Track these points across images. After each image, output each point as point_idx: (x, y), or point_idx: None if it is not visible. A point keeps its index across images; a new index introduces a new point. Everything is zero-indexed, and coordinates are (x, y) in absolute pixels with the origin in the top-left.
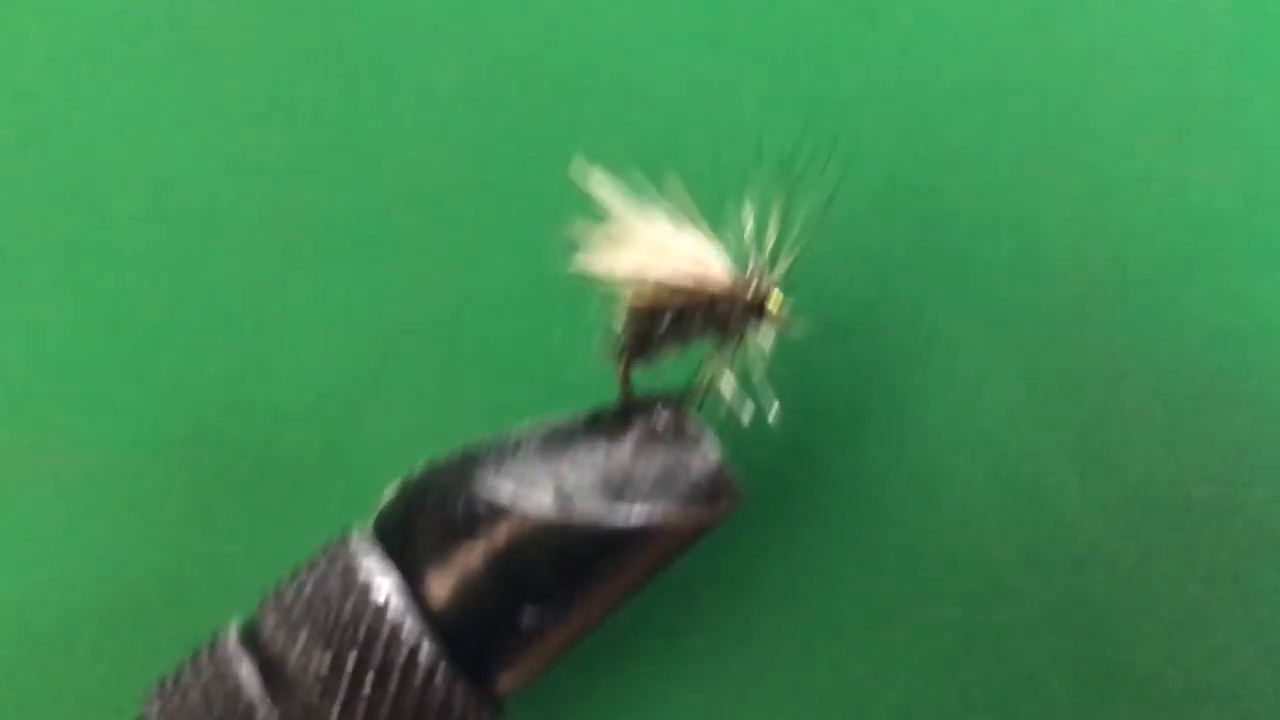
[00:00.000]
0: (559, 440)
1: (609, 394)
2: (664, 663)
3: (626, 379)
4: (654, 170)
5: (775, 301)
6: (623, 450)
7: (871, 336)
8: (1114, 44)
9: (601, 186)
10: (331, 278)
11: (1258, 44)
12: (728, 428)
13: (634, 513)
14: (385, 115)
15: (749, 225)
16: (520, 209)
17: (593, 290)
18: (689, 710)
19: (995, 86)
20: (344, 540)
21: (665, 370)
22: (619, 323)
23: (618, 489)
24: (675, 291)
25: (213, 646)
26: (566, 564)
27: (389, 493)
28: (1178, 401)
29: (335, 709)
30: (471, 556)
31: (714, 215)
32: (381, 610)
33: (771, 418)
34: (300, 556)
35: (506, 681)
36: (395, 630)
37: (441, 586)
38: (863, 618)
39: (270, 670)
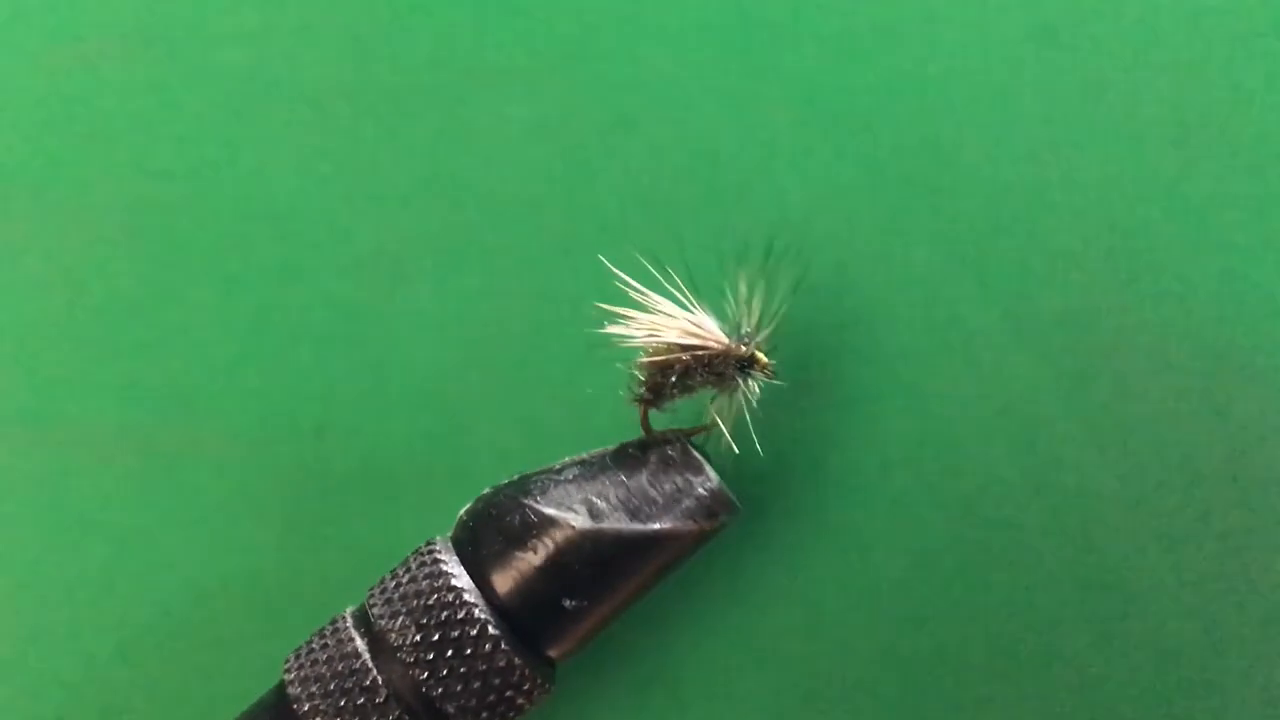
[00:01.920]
0: (592, 469)
1: (633, 432)
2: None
3: (646, 419)
4: (663, 261)
5: (762, 358)
6: (641, 477)
7: (898, 326)
8: (1120, 47)
9: (622, 277)
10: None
11: (1259, 45)
12: (728, 456)
13: (649, 525)
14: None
15: (739, 300)
16: (559, 290)
17: (618, 353)
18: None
19: (1007, 88)
20: (430, 546)
21: (676, 412)
22: (638, 376)
23: (636, 507)
24: (681, 351)
25: (334, 625)
26: (597, 564)
27: (462, 512)
28: (1184, 378)
29: (424, 672)
30: (525, 557)
31: (713, 294)
32: (459, 595)
33: (759, 448)
34: (402, 543)
35: (554, 652)
36: (469, 613)
37: (503, 581)
38: (890, 583)
39: (377, 643)
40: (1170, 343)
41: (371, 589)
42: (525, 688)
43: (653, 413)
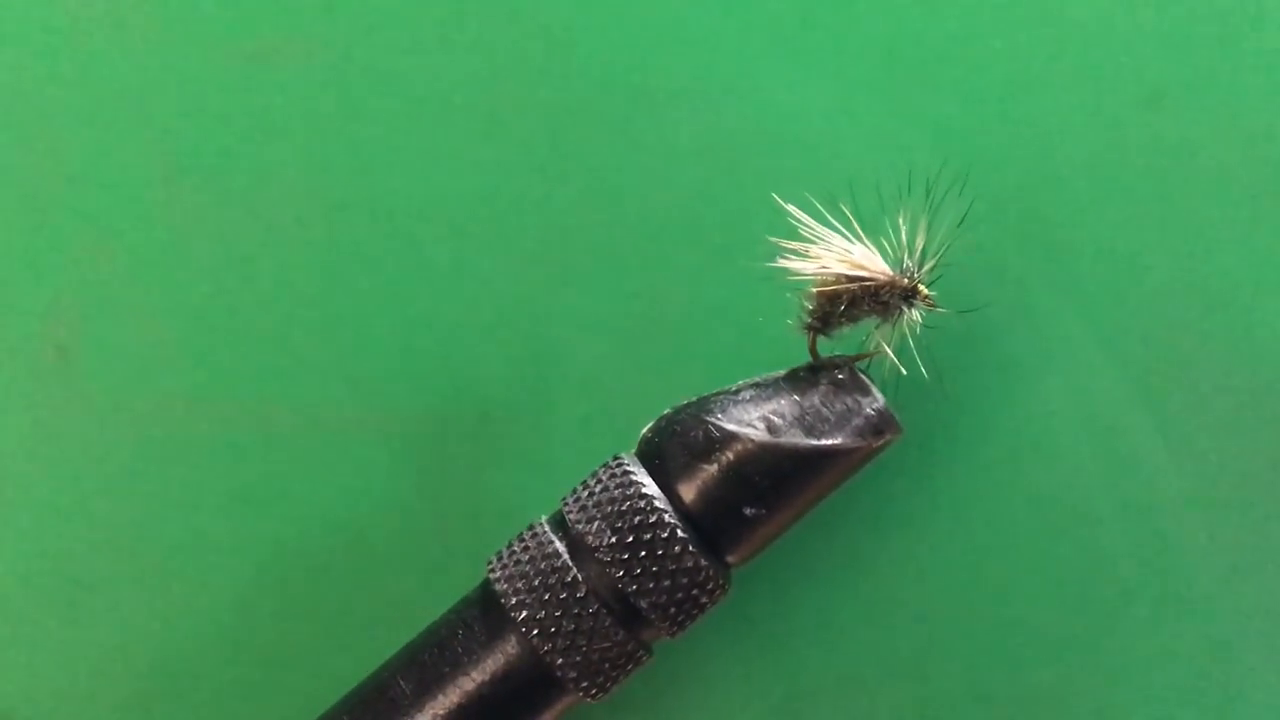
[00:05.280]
0: (768, 389)
1: (801, 357)
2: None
3: (814, 346)
4: (834, 199)
5: (924, 289)
6: (813, 396)
7: (998, 333)
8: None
9: (797, 210)
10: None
11: None
12: (889, 383)
13: (823, 440)
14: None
15: (903, 235)
16: (744, 227)
17: (790, 283)
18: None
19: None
20: (618, 460)
21: (842, 339)
22: (808, 305)
23: (810, 424)
24: (849, 282)
25: (531, 530)
26: (774, 475)
27: (646, 430)
28: (1247, 392)
29: (620, 570)
30: (708, 469)
31: (878, 229)
32: (649, 502)
33: (925, 375)
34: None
35: (734, 557)
36: (660, 517)
37: (688, 491)
38: (977, 565)
39: (575, 545)
40: (1234, 363)
41: (565, 498)
42: (709, 587)
43: (820, 341)
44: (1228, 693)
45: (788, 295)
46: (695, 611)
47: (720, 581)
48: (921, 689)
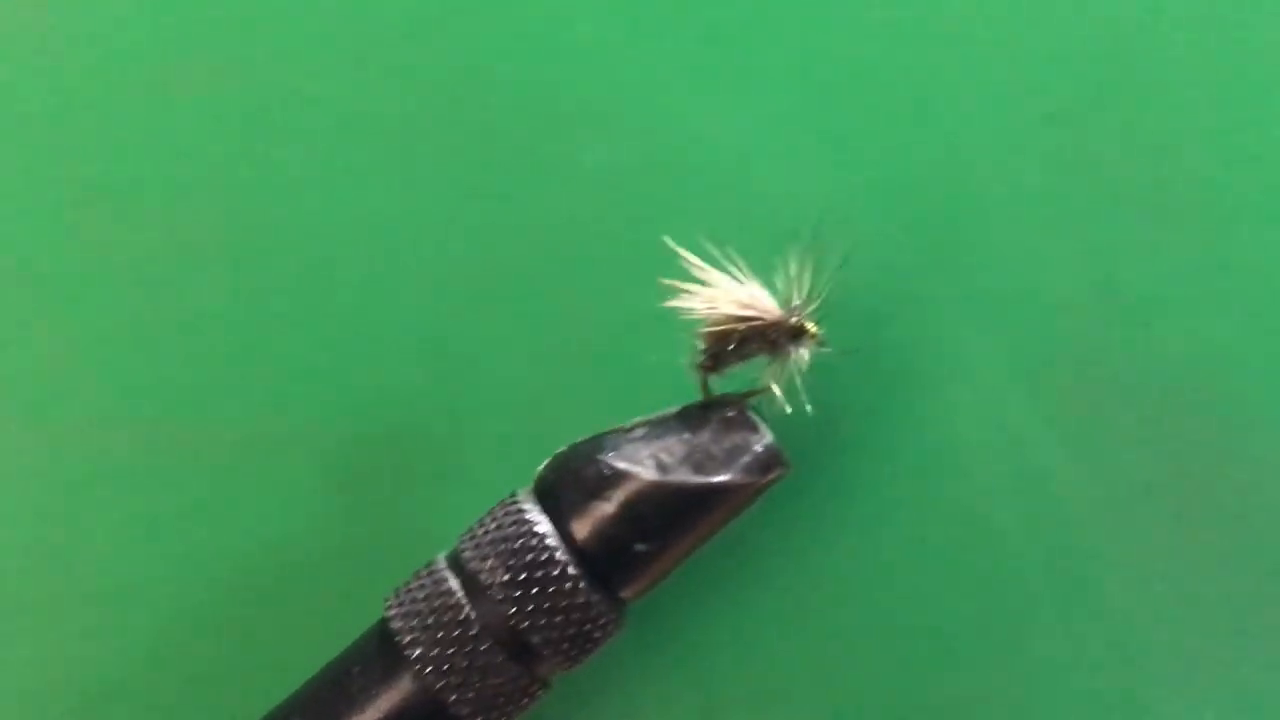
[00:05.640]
0: (659, 427)
1: (693, 395)
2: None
3: (705, 384)
4: (721, 239)
5: (811, 328)
6: (703, 434)
7: (903, 349)
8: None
9: (685, 253)
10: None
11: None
12: (776, 420)
13: (711, 478)
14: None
15: (790, 275)
16: (628, 269)
17: (680, 323)
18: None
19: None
20: (514, 498)
21: (732, 379)
22: (698, 344)
23: (699, 461)
24: (738, 321)
25: (429, 568)
26: (664, 512)
27: (541, 467)
28: (1150, 405)
29: (513, 608)
30: (601, 507)
31: (765, 270)
32: (541, 541)
33: (809, 410)
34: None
35: (627, 592)
36: (551, 555)
37: (581, 528)
38: (887, 576)
39: (469, 582)
40: (1137, 376)
41: (462, 535)
42: (602, 622)
43: (711, 379)
44: (1134, 698)
45: (680, 335)
46: (589, 646)
47: (613, 616)
48: (836, 700)
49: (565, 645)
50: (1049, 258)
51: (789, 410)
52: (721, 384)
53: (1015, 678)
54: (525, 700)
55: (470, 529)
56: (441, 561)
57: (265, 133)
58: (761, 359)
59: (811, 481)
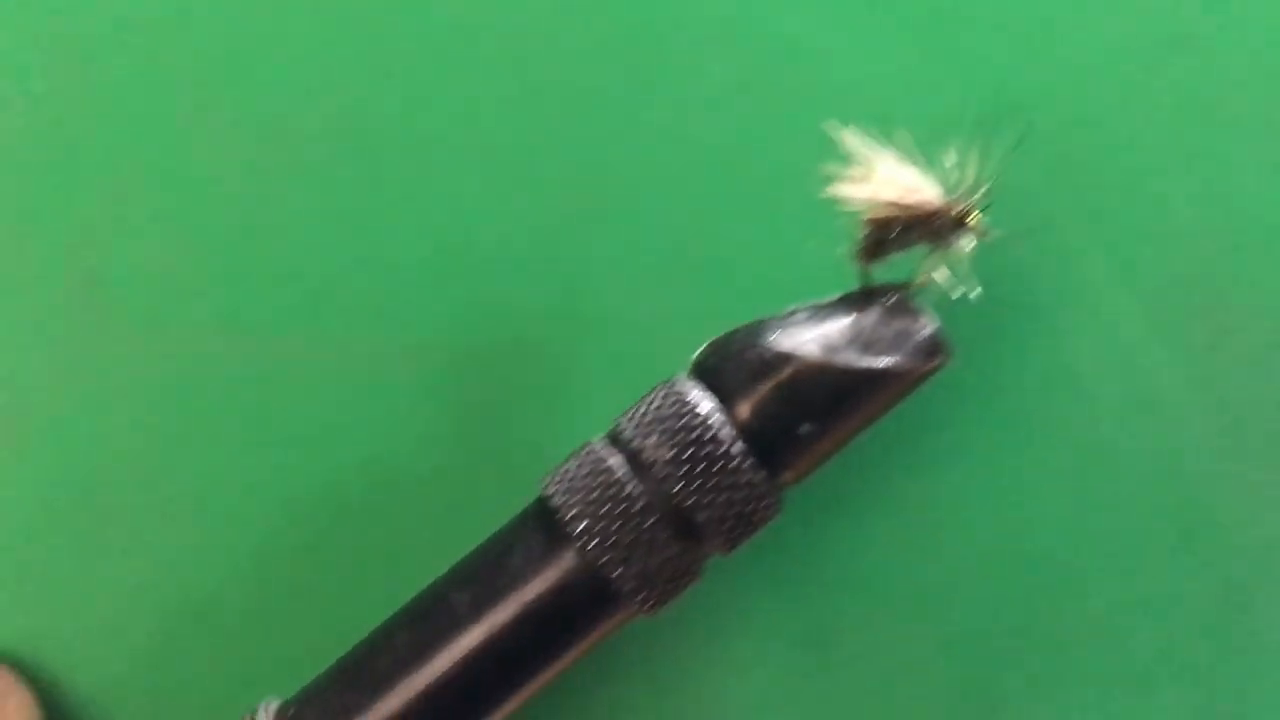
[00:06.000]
0: (823, 311)
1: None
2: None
3: (865, 273)
4: (887, 126)
5: (974, 217)
6: (868, 318)
7: (1025, 271)
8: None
9: (851, 139)
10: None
11: None
12: (938, 308)
13: (878, 361)
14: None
15: (951, 165)
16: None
17: (842, 211)
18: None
19: (1149, 86)
20: (672, 380)
21: (893, 267)
22: (860, 233)
23: (866, 344)
24: (902, 209)
25: (586, 448)
26: (830, 394)
27: (699, 353)
28: (1272, 331)
29: (678, 485)
30: (766, 388)
31: (930, 159)
32: (705, 420)
33: (973, 296)
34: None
35: (788, 475)
36: (716, 433)
37: (744, 409)
38: (1002, 500)
39: (632, 459)
40: (1259, 302)
41: (619, 417)
42: (764, 504)
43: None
44: (1243, 631)
45: (837, 224)
46: (749, 528)
47: (774, 499)
48: (948, 627)
49: (727, 525)
50: (1172, 182)
51: (957, 295)
52: (879, 276)
53: (1124, 606)
54: (685, 580)
55: (628, 410)
56: (598, 442)
57: (384, 40)
58: (923, 248)
59: (930, 399)
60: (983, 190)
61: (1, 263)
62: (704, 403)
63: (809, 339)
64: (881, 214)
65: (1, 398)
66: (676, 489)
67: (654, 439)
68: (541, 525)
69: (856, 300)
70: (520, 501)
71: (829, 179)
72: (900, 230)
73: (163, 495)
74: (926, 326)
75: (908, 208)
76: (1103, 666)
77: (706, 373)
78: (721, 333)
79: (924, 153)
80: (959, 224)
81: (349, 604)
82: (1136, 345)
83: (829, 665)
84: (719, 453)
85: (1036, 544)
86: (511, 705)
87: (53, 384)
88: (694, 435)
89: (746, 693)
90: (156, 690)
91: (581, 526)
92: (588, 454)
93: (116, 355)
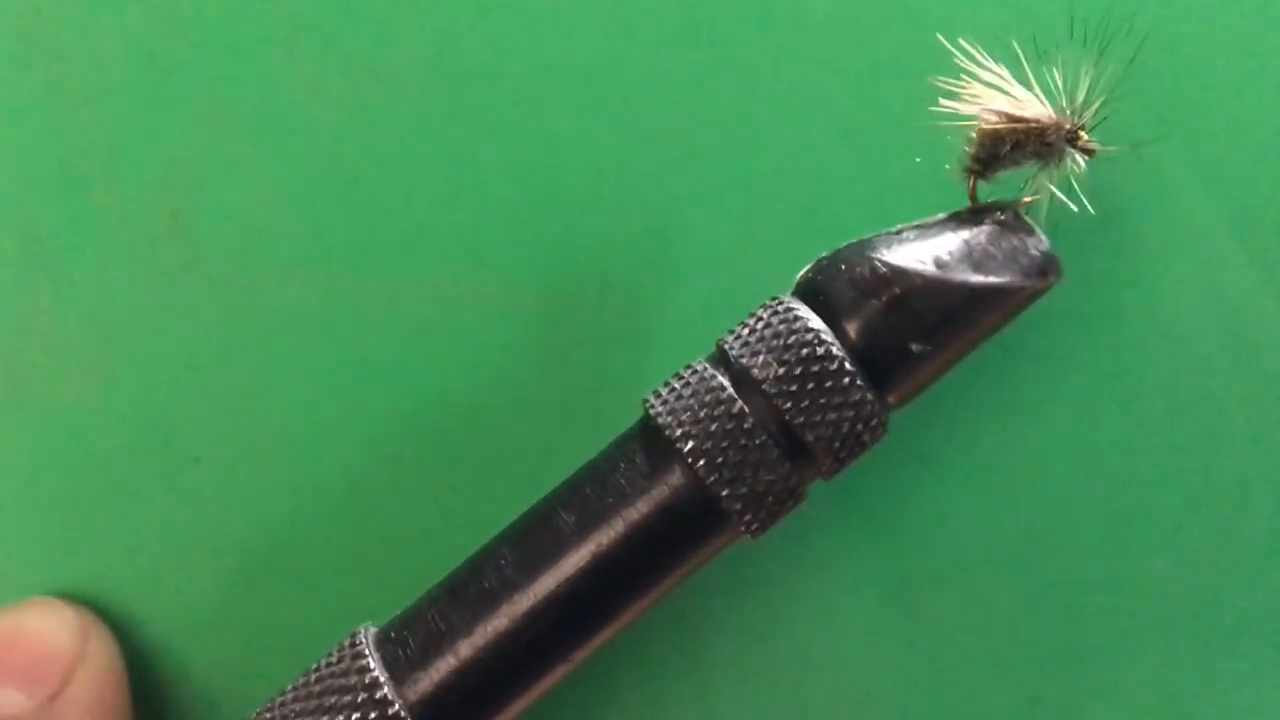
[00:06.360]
0: (932, 229)
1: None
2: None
3: (974, 190)
4: (994, 46)
5: (1086, 134)
6: (979, 235)
7: (1130, 215)
8: None
9: (966, 52)
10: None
11: None
12: (1049, 227)
13: (991, 278)
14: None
15: (1066, 81)
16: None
17: (948, 129)
18: None
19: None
20: (778, 299)
21: (999, 185)
22: (969, 149)
23: (978, 261)
24: (1014, 123)
25: (690, 368)
26: (943, 311)
27: (804, 271)
28: None
29: (788, 403)
30: (876, 305)
31: (1040, 77)
32: (816, 336)
33: (1092, 213)
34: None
35: (895, 396)
36: (827, 350)
37: (854, 327)
38: (1097, 452)
39: (739, 377)
40: None
41: (723, 337)
42: (873, 424)
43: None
44: None
45: (947, 139)
46: (857, 449)
47: (881, 419)
48: (1037, 578)
49: (836, 444)
50: None
51: (1074, 209)
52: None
53: (1219, 561)
54: (790, 503)
55: (733, 330)
56: (702, 362)
57: None
58: (1032, 166)
59: (1025, 338)
60: (1094, 108)
61: (90, 201)
62: (814, 320)
63: (920, 255)
64: (992, 128)
65: (89, 336)
66: (786, 406)
67: (763, 357)
68: (647, 444)
69: (966, 218)
70: (609, 440)
71: (926, 101)
72: (1011, 146)
73: (247, 436)
74: (1040, 244)
75: (1019, 122)
76: (1196, 624)
77: (813, 291)
78: (826, 250)
79: (1035, 71)
80: (1071, 141)
81: (436, 547)
82: (1238, 289)
83: (916, 617)
84: (831, 369)
85: (1129, 491)
86: (615, 627)
87: (140, 322)
88: (804, 353)
89: (833, 644)
90: (236, 628)
91: (690, 446)
92: (693, 373)
93: (202, 294)
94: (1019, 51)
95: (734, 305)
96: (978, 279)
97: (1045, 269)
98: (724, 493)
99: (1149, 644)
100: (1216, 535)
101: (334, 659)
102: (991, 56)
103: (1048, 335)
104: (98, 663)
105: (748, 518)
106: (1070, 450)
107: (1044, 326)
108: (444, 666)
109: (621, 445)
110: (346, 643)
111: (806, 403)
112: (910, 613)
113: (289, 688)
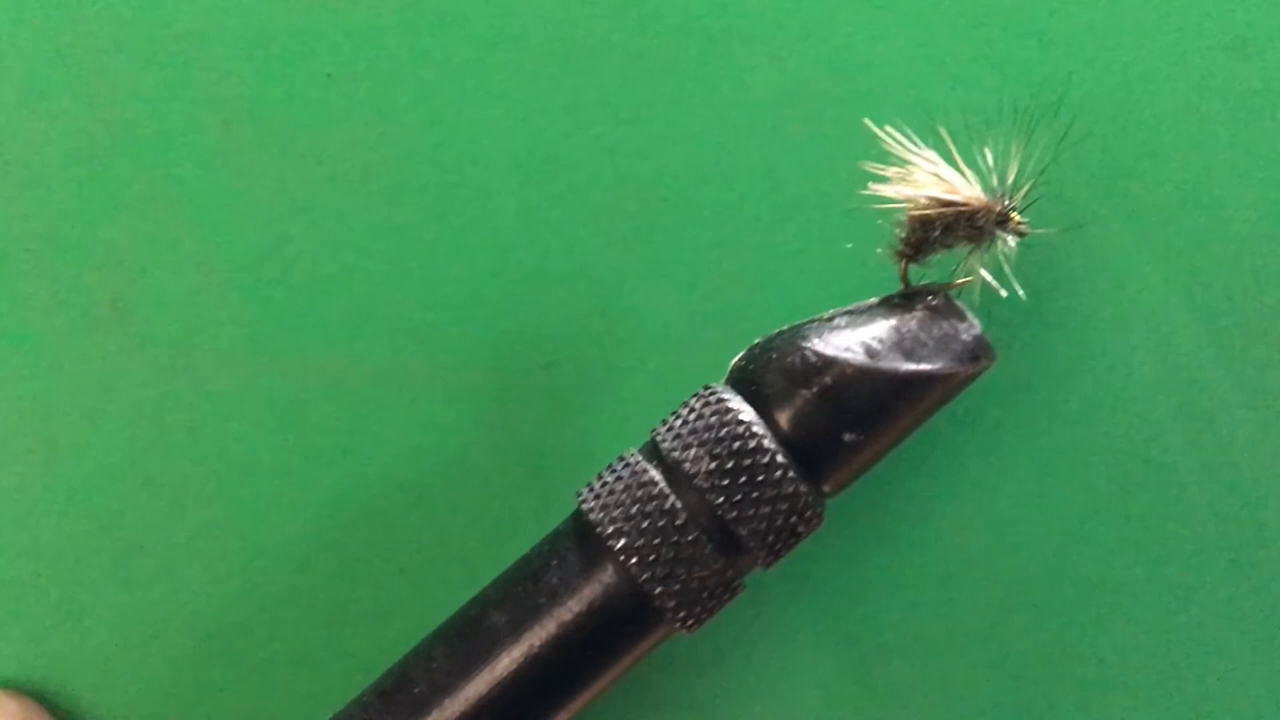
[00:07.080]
0: (864, 315)
1: (891, 286)
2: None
3: (906, 273)
4: (925, 127)
5: (1017, 215)
6: (910, 322)
7: (1078, 284)
8: None
9: (891, 138)
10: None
11: None
12: (981, 310)
13: (922, 365)
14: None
15: (993, 162)
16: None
17: (879, 212)
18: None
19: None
20: (709, 389)
21: (930, 267)
22: (900, 232)
23: (909, 349)
24: (944, 207)
25: (622, 460)
26: (874, 400)
27: (737, 359)
28: None
29: (720, 497)
30: (807, 394)
31: (970, 158)
32: (748, 428)
33: (1022, 296)
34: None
35: (829, 485)
36: (758, 443)
37: (785, 417)
38: (1053, 521)
39: (671, 472)
40: None
41: (656, 429)
42: (807, 515)
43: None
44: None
45: (878, 223)
46: (792, 540)
47: (817, 510)
48: (995, 649)
49: (770, 538)
50: (1230, 192)
51: (1004, 294)
52: (916, 278)
53: (1180, 628)
54: (727, 596)
55: (665, 421)
56: (635, 454)
57: (416, 56)
58: (963, 249)
59: (978, 413)
60: (1025, 189)
61: (28, 287)
62: (745, 411)
63: (851, 344)
64: (922, 212)
65: (29, 424)
66: (719, 501)
67: (694, 450)
68: (579, 541)
69: (898, 303)
70: (557, 520)
71: (868, 179)
72: (941, 229)
73: (191, 523)
74: (971, 328)
75: (949, 206)
76: (1156, 693)
77: (745, 380)
78: (760, 338)
79: (965, 152)
80: (1001, 223)
81: (384, 629)
82: (1191, 358)
83: (874, 690)
84: (762, 463)
85: (1085, 561)
86: None
87: (80, 410)
88: (735, 446)
89: (787, 712)
90: (183, 717)
91: (622, 543)
92: (625, 467)
93: (144, 380)
94: (946, 135)
95: (683, 380)
96: (908, 367)
97: (977, 353)
98: (657, 590)
99: (1109, 714)
100: (1175, 604)
101: None
102: (926, 136)
103: (1000, 407)
104: None
105: (682, 614)
106: (1025, 521)
107: (996, 398)
108: None
109: (554, 541)
110: None
111: (739, 497)
112: (867, 686)
113: None
